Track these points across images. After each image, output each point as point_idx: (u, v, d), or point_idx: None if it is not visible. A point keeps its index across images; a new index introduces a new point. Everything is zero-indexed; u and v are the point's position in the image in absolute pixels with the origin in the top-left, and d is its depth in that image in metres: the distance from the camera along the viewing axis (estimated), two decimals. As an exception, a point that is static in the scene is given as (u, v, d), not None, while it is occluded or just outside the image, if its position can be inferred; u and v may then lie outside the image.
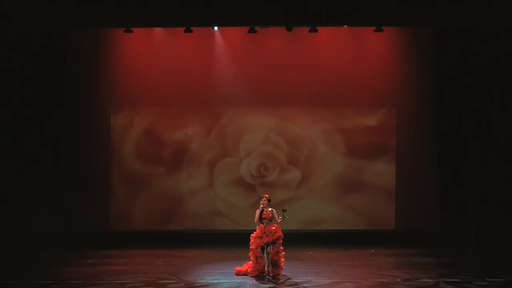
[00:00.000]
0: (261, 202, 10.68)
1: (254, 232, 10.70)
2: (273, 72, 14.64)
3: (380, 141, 14.85)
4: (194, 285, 10.03)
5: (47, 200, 13.78)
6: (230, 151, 14.87)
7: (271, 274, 10.50)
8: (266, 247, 10.57)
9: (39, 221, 13.61)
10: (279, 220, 10.62)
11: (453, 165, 14.31)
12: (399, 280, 10.29)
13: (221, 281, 10.28)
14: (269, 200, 10.70)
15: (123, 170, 14.81)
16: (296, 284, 10.13)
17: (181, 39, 14.41)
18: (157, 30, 14.49)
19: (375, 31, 14.06)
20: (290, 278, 10.48)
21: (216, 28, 14.37)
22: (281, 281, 10.33)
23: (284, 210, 10.61)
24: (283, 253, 10.76)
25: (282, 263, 10.76)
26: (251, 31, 14.01)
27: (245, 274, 10.65)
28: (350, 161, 14.84)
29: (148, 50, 14.66)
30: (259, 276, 10.51)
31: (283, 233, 10.68)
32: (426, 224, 14.64)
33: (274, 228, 10.63)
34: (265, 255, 10.57)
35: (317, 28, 13.84)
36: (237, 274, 10.70)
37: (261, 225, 10.63)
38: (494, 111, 13.41)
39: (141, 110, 14.81)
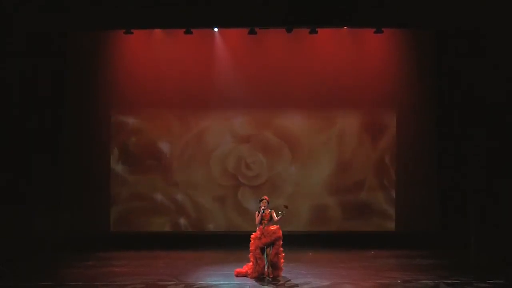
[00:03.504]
0: (261, 204, 10.67)
1: (254, 233, 10.72)
2: (273, 74, 14.60)
3: (380, 143, 14.82)
4: (194, 286, 10.05)
5: (47, 200, 13.74)
6: (229, 152, 14.85)
7: (271, 276, 10.50)
8: (266, 248, 10.57)
9: (38, 222, 13.57)
10: (277, 217, 10.57)
11: (453, 166, 14.26)
12: (399, 281, 10.31)
13: (221, 282, 10.30)
14: (268, 202, 10.71)
15: (123, 171, 14.78)
16: (296, 285, 10.16)
17: (181, 41, 14.36)
18: (157, 31, 14.44)
19: (375, 32, 14.02)
20: (289, 280, 10.50)
21: (216, 29, 14.38)
22: (280, 282, 10.35)
23: (286, 207, 10.59)
24: (283, 254, 10.76)
25: (282, 265, 10.76)
26: (251, 32, 13.97)
27: (245, 275, 10.68)
28: (349, 162, 14.80)
29: (148, 51, 14.62)
30: (259, 277, 10.52)
31: (282, 234, 10.68)
32: (427, 225, 14.59)
33: (273, 229, 10.63)
34: (264, 256, 10.57)
35: (317, 29, 13.82)
36: (237, 276, 10.72)
37: (260, 226, 10.65)
38: (494, 112, 13.36)
39: (141, 110, 14.77)
